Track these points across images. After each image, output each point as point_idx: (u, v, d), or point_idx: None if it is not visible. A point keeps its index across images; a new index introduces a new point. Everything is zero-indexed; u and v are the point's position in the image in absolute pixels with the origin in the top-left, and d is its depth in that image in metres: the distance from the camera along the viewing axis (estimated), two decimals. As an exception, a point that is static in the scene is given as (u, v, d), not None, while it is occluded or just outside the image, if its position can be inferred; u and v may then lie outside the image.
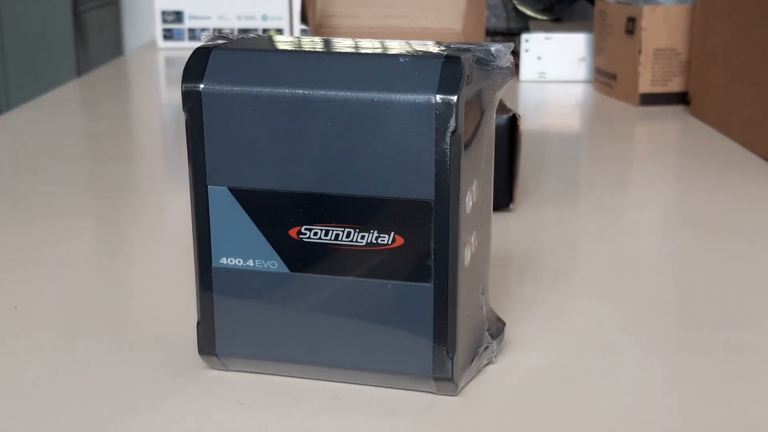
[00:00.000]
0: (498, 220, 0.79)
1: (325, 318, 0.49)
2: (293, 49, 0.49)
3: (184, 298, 0.61)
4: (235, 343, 0.50)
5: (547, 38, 1.48)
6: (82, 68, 2.41)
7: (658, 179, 0.97)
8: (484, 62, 0.48)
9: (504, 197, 0.81)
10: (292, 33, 1.88)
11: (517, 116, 0.79)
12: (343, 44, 0.50)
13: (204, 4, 1.91)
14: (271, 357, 0.50)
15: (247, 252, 0.49)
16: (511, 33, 1.62)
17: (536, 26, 1.55)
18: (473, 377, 0.51)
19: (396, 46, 0.49)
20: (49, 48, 2.43)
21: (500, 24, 1.62)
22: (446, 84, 0.45)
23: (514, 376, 0.51)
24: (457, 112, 0.45)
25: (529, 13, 1.61)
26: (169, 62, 1.79)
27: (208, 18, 1.92)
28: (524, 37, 1.48)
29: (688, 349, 0.55)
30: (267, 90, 0.47)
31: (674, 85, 1.30)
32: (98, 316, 0.60)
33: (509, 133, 0.79)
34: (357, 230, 0.47)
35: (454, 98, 0.45)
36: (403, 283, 0.47)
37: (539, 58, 1.49)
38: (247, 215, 0.48)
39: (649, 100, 1.30)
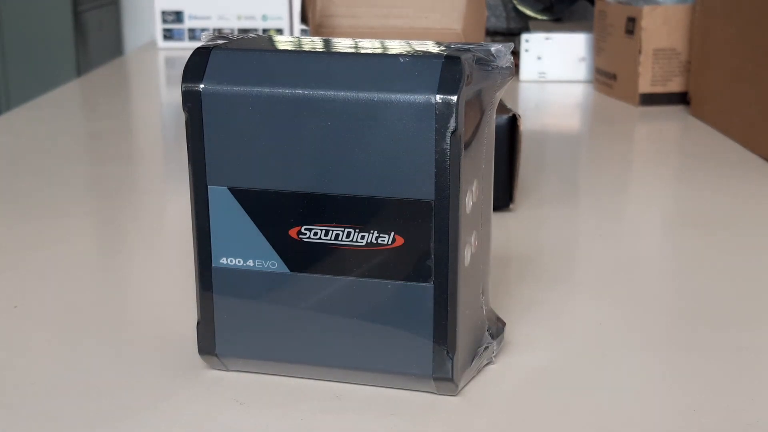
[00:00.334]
0: (498, 220, 0.79)
1: (325, 318, 0.49)
2: (293, 49, 0.49)
3: (184, 298, 0.61)
4: (235, 343, 0.50)
5: (547, 38, 1.48)
6: (82, 68, 2.42)
7: (658, 179, 0.97)
8: (484, 62, 0.48)
9: (504, 197, 0.81)
10: (292, 33, 1.88)
11: (517, 116, 0.79)
12: (343, 44, 0.50)
13: (204, 4, 1.91)
14: (271, 357, 0.50)
15: (247, 252, 0.49)
16: (511, 33, 1.62)
17: (536, 26, 1.55)
18: (473, 377, 0.51)
19: (396, 46, 0.49)
20: (49, 48, 2.43)
21: (500, 24, 1.62)
22: (446, 84, 0.45)
23: (514, 376, 0.51)
24: (457, 112, 0.45)
25: (529, 13, 1.61)
26: (169, 62, 1.79)
27: (208, 18, 1.92)
28: (524, 37, 1.48)
29: (688, 349, 0.55)
30: (267, 90, 0.47)
31: (674, 85, 1.30)
32: (98, 316, 0.60)
33: (509, 133, 0.79)
34: (357, 230, 0.47)
35: (454, 98, 0.45)
36: (403, 283, 0.47)
37: (539, 58, 1.49)
38: (247, 215, 0.48)
39: (649, 100, 1.30)
